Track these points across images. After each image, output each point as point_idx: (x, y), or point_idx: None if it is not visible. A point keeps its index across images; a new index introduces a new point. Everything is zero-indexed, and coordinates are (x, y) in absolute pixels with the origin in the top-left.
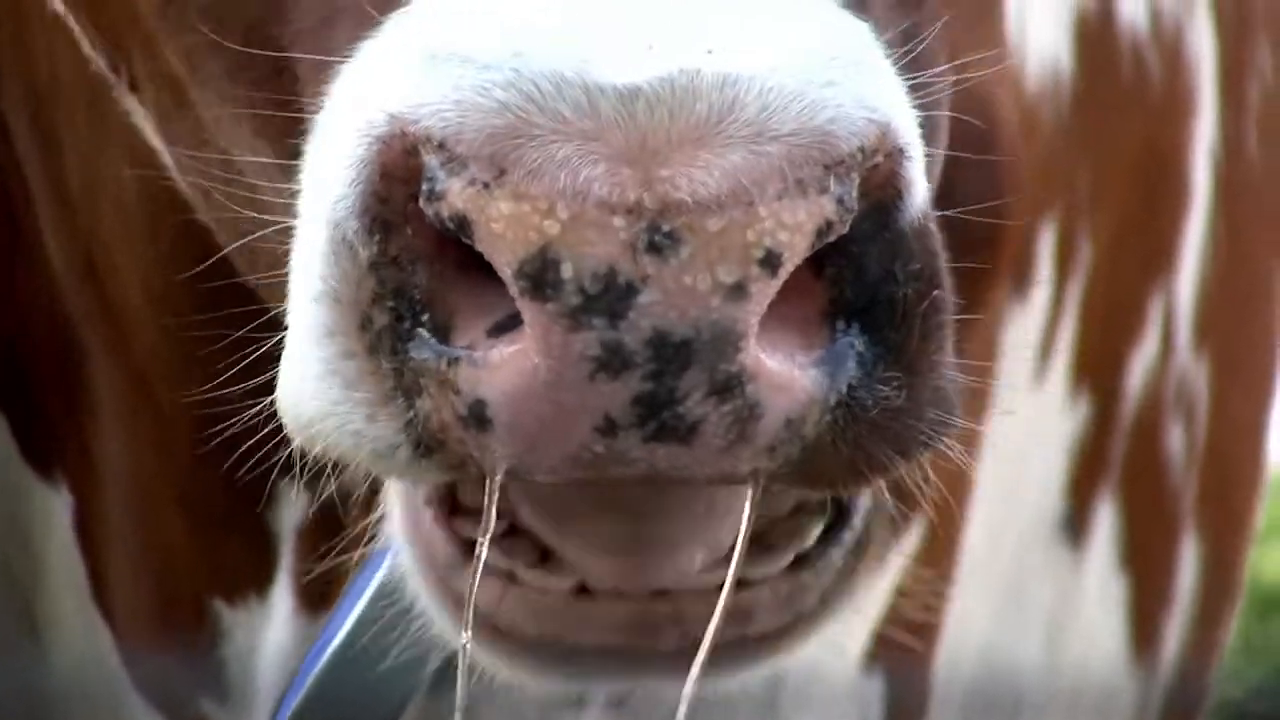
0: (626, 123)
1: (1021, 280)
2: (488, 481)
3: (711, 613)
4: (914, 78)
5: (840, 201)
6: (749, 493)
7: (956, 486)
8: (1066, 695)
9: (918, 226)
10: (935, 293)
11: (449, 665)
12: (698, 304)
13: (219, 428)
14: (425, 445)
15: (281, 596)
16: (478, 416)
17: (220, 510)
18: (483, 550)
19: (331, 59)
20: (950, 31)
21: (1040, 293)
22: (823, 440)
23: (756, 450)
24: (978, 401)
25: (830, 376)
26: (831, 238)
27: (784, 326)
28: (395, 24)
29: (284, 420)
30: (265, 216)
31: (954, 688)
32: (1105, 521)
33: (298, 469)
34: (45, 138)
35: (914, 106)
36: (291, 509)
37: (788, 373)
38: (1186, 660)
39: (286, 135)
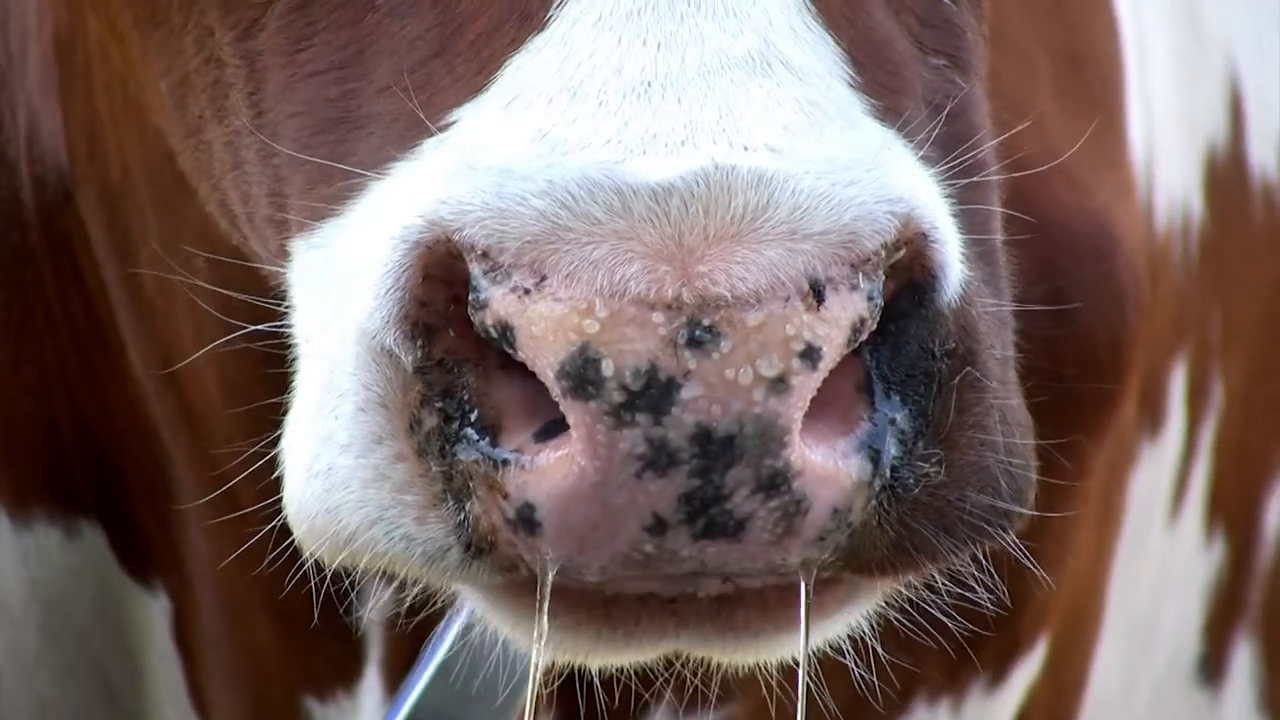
0: (661, 220)
1: (1154, 421)
2: (539, 585)
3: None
4: (957, 155)
5: (870, 298)
6: (802, 586)
7: (1082, 613)
8: None
9: (956, 307)
10: (968, 369)
11: None
12: (740, 398)
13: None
14: (476, 547)
15: (370, 690)
16: (526, 520)
17: (307, 610)
18: (539, 655)
19: (361, 172)
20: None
21: (1173, 434)
22: (869, 524)
23: (805, 542)
24: (1105, 524)
25: (873, 461)
26: (864, 335)
27: (824, 410)
28: (432, 144)
29: (310, 541)
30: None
31: None
32: (1243, 664)
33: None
34: (121, 239)
35: (954, 181)
36: (377, 604)
37: (832, 465)
38: None
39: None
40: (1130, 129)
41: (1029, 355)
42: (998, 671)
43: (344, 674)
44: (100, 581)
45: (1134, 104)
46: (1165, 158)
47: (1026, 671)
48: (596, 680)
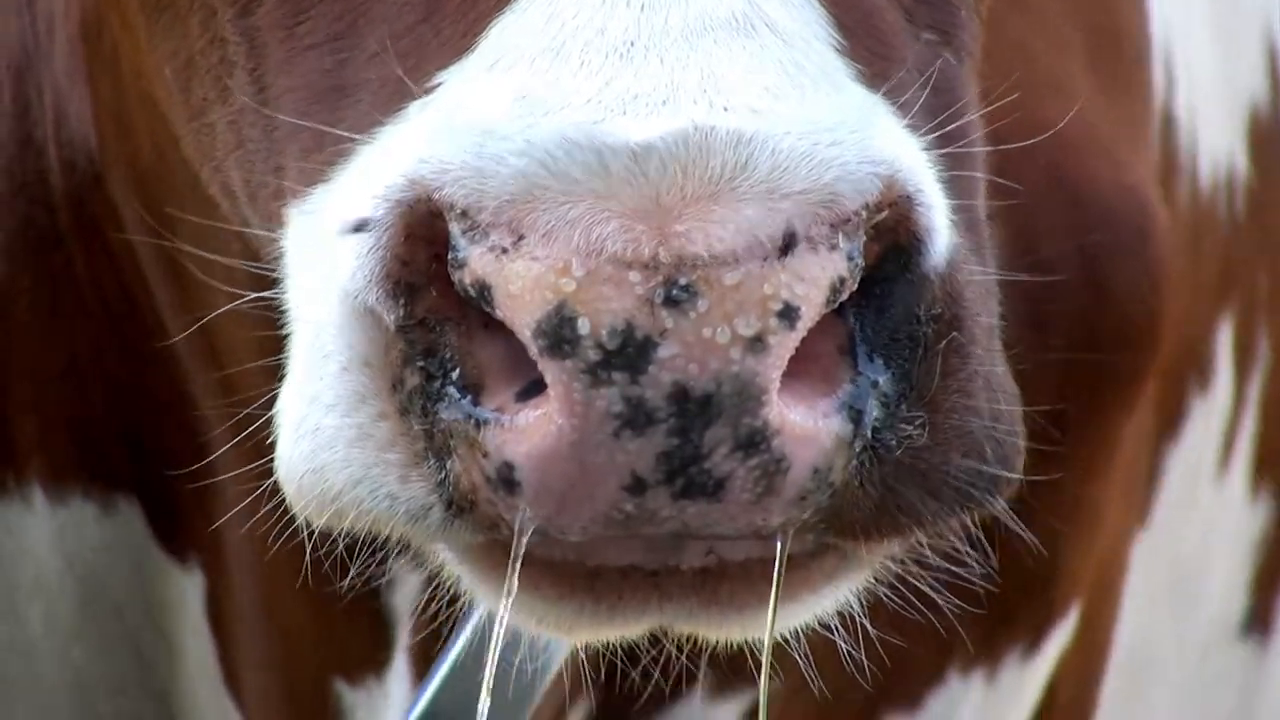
0: (639, 180)
1: (1202, 376)
2: (514, 543)
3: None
4: (943, 120)
5: (850, 258)
6: (779, 546)
7: (1109, 577)
8: None
9: (942, 272)
10: (955, 335)
11: None
12: (718, 356)
13: None
14: (457, 506)
15: (399, 675)
16: (505, 479)
17: (339, 592)
18: (505, 611)
19: (349, 135)
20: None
21: (1221, 390)
22: (850, 485)
23: (786, 502)
24: (1130, 492)
25: (854, 421)
26: (844, 295)
27: (805, 370)
28: (417, 107)
29: (298, 501)
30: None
31: None
32: None
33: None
34: (156, 221)
35: (939, 150)
36: (406, 589)
37: (812, 424)
38: None
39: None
40: (1154, 105)
41: (1064, 325)
42: (1034, 639)
43: (374, 659)
44: (136, 558)
45: (1159, 79)
46: (1207, 118)
47: (1060, 638)
48: (635, 673)
